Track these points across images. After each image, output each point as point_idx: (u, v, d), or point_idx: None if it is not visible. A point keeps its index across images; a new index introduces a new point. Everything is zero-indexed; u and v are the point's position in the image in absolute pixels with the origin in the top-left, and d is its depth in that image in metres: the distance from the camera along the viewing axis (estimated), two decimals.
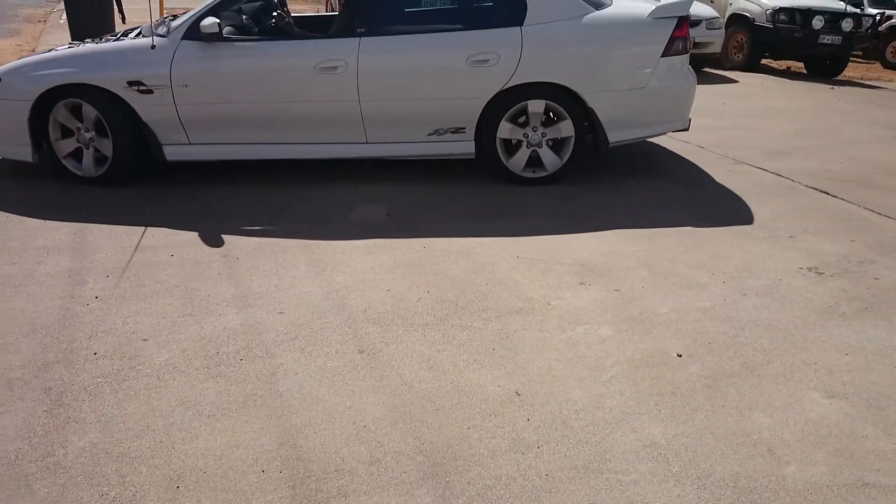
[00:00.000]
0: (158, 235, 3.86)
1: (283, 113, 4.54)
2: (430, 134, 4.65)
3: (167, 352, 2.74)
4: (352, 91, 4.45)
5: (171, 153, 4.60)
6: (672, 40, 4.60)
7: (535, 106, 4.58)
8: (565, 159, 4.73)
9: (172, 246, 3.72)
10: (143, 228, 3.94)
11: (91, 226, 3.97)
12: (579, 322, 3.02)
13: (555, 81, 4.52)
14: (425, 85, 4.53)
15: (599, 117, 4.60)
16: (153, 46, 4.41)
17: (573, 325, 2.99)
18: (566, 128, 4.64)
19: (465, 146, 4.70)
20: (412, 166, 5.01)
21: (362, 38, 4.46)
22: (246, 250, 3.67)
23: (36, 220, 4.02)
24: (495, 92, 4.50)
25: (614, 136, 4.70)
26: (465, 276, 3.42)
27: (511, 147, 4.71)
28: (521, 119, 4.63)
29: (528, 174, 4.76)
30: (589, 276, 3.46)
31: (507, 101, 4.56)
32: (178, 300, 3.15)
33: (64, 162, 4.60)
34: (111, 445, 2.21)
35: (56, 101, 4.44)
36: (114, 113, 4.46)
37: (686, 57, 4.80)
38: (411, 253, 3.68)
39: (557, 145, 4.72)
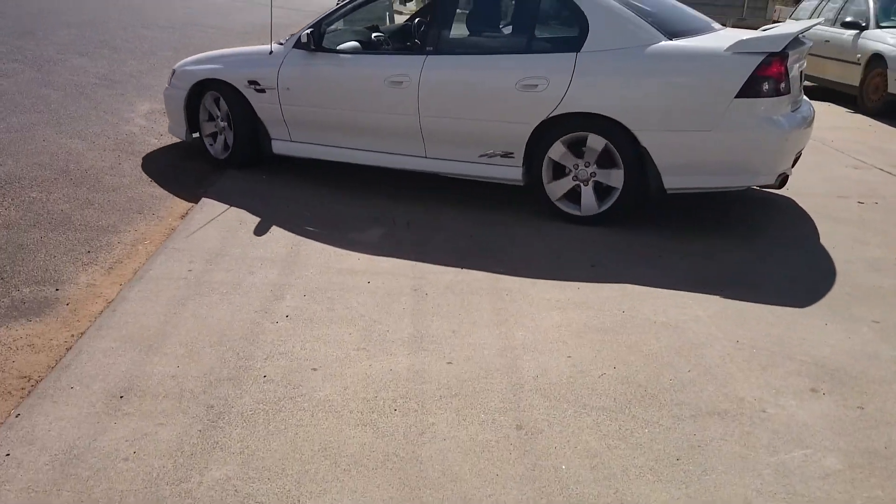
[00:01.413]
0: (364, 259, 3.89)
1: (360, 121, 4.85)
2: (480, 155, 4.57)
3: (330, 386, 2.68)
4: (413, 105, 4.59)
5: (277, 147, 5.27)
6: (753, 80, 3.91)
7: (594, 141, 4.23)
8: (603, 208, 4.36)
9: (372, 273, 3.72)
10: (358, 248, 4.01)
11: (310, 242, 4.13)
12: (799, 444, 2.41)
13: (602, 113, 4.15)
14: (476, 105, 4.48)
15: (653, 158, 4.12)
16: (271, 52, 5.09)
17: (790, 447, 2.39)
18: (616, 177, 4.25)
19: (513, 172, 4.54)
20: (635, 217, 4.56)
21: (428, 56, 4.60)
22: (437, 287, 3.55)
23: (263, 229, 4.28)
24: (541, 119, 4.29)
25: (672, 182, 4.18)
26: (664, 355, 2.95)
27: (558, 171, 4.43)
28: (581, 149, 4.31)
29: (561, 206, 4.49)
30: (825, 382, 2.79)
31: (562, 128, 4.29)
32: (359, 331, 3.10)
33: (205, 141, 5.56)
34: (243, 483, 2.16)
35: (205, 92, 5.35)
36: (237, 107, 5.22)
37: (778, 100, 4.00)
38: (607, 316, 3.28)
39: (601, 190, 4.36)
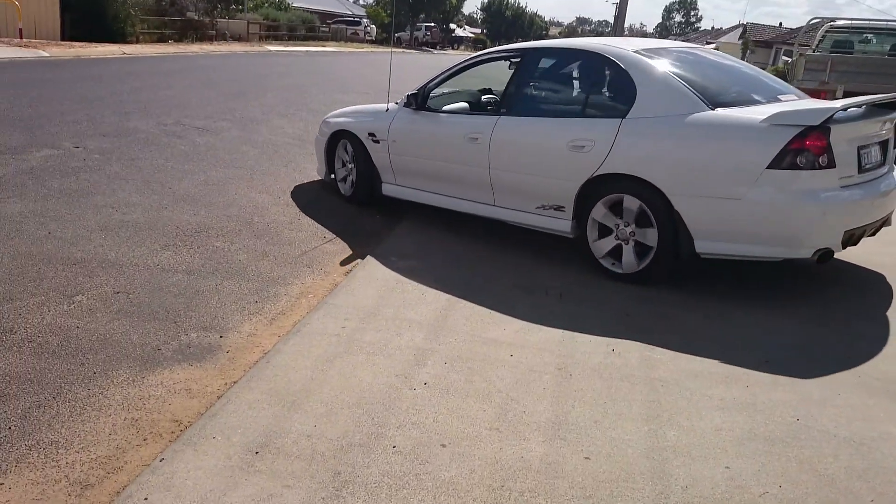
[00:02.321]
0: (510, 330, 3.79)
1: (445, 171, 5.48)
2: (537, 207, 4.93)
3: (456, 467, 2.56)
4: (485, 159, 5.10)
5: (385, 189, 6.05)
6: (786, 152, 3.92)
7: (630, 202, 4.44)
8: (641, 266, 4.47)
9: (517, 346, 3.59)
10: (506, 318, 3.92)
11: (461, 304, 4.11)
12: None
13: (639, 176, 4.35)
14: (534, 161, 4.89)
15: (685, 221, 4.24)
16: (387, 109, 5.93)
17: None
18: (651, 236, 4.38)
19: (563, 224, 4.84)
20: (817, 307, 4.06)
21: (500, 117, 5.13)
22: (584, 368, 3.34)
23: (418, 290, 4.32)
24: (586, 178, 4.57)
25: (703, 247, 4.26)
26: (843, 478, 2.51)
27: (604, 231, 4.63)
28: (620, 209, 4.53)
29: (605, 263, 4.66)
30: None
31: (604, 188, 4.55)
32: (494, 408, 2.97)
33: (338, 182, 6.48)
34: None
35: (339, 141, 6.31)
36: (360, 154, 6.11)
37: (816, 173, 3.93)
38: (778, 423, 2.88)
39: (641, 249, 4.47)
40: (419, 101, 5.68)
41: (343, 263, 4.86)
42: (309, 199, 6.29)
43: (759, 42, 42.21)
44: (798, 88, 9.03)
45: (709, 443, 2.73)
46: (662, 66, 4.61)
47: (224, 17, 33.92)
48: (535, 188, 4.89)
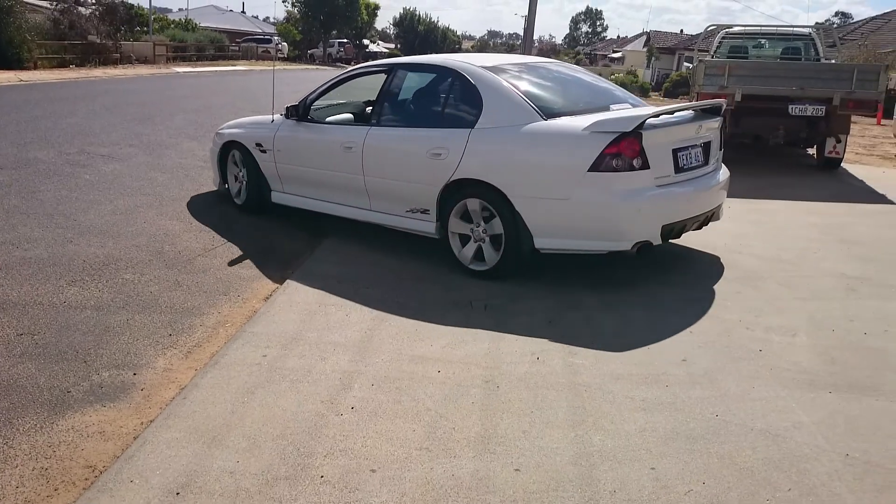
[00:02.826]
0: (437, 346, 3.77)
1: (326, 178, 5.78)
2: (407, 211, 5.28)
3: (387, 492, 2.52)
4: (359, 167, 5.44)
5: (275, 197, 6.29)
6: (603, 156, 4.36)
7: (472, 204, 4.87)
8: (500, 256, 4.79)
9: (444, 361, 3.58)
10: (432, 334, 3.90)
11: (387, 322, 4.07)
12: None
13: (485, 180, 4.75)
14: (401, 168, 5.25)
15: (525, 220, 4.63)
16: (272, 121, 6.20)
17: None
18: (497, 225, 4.75)
19: (429, 226, 5.17)
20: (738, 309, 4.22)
21: (371, 128, 5.51)
22: (510, 379, 3.36)
23: (342, 311, 4.25)
24: (444, 182, 4.92)
25: (541, 243, 4.68)
26: (761, 469, 2.61)
27: (465, 237, 4.99)
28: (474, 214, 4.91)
29: (475, 267, 4.93)
30: None
31: (459, 192, 4.92)
32: (423, 428, 2.94)
33: (230, 187, 6.68)
34: None
35: (230, 150, 6.53)
36: (249, 164, 6.34)
37: (632, 175, 4.40)
38: (698, 421, 2.97)
39: (496, 241, 4.80)
40: (300, 112, 5.99)
41: (262, 289, 4.74)
42: (223, 222, 6.11)
43: (662, 49, 43.98)
44: (699, 93, 9.48)
45: (634, 445, 2.78)
46: (506, 80, 5.03)
47: (129, 40, 32.77)
48: (403, 193, 5.27)
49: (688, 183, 4.79)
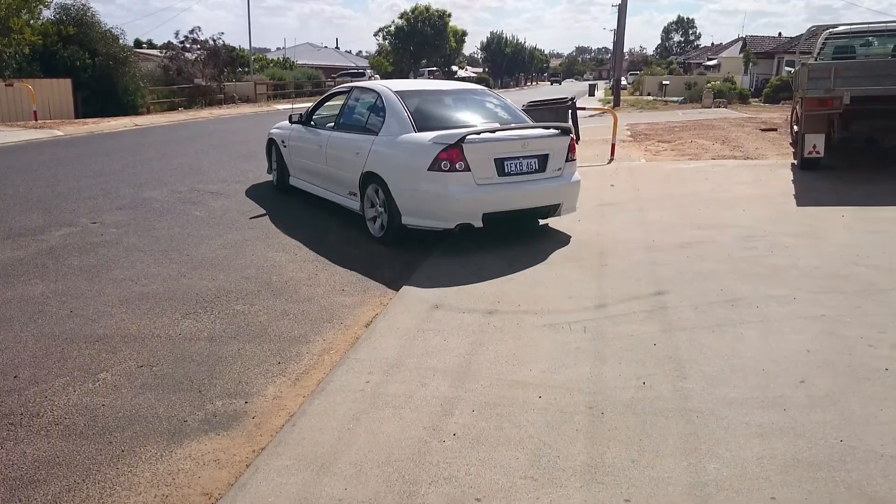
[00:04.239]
0: (537, 371, 3.72)
1: (311, 168, 8.07)
2: (347, 193, 7.22)
3: None
4: (324, 160, 7.64)
5: (291, 181, 8.74)
6: (437, 160, 5.96)
7: (371, 190, 6.72)
8: (382, 233, 6.65)
9: (546, 386, 3.52)
10: (531, 358, 3.85)
11: (485, 347, 4.05)
12: None
13: (376, 173, 6.52)
14: (342, 162, 7.24)
15: (396, 203, 6.33)
16: (291, 125, 8.54)
17: None
18: (383, 206, 6.56)
19: (356, 205, 7.05)
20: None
21: (331, 132, 7.61)
22: (615, 405, 3.26)
23: (440, 336, 4.27)
24: (360, 174, 6.77)
25: (406, 220, 6.32)
26: (894, 499, 2.41)
27: (370, 213, 6.85)
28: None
29: (375, 234, 6.77)
30: None
31: (365, 185, 6.77)
32: (526, 455, 2.89)
33: (272, 173, 9.38)
34: None
35: (272, 146, 9.26)
36: (278, 155, 9.03)
37: (456, 175, 5.94)
38: (821, 447, 2.78)
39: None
40: (303, 119, 8.32)
41: (363, 315, 4.83)
42: (324, 250, 6.30)
43: (760, 54, 42.25)
44: (804, 98, 9.02)
45: (751, 473, 2.63)
46: (404, 101, 6.74)
47: (231, 81, 34.71)
48: (343, 180, 7.23)
49: (510, 185, 6.19)
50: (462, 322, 4.51)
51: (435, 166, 5.95)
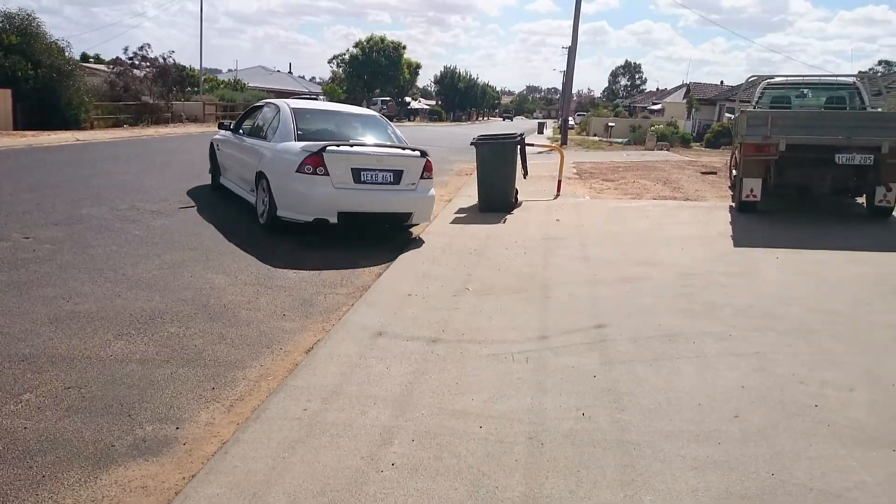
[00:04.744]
0: (479, 400, 3.70)
1: (231, 168, 9.74)
2: (249, 190, 8.66)
3: None
4: (237, 162, 9.30)
5: (221, 180, 10.18)
6: (302, 164, 7.41)
7: (261, 186, 8.09)
8: (266, 218, 7.96)
9: (486, 416, 3.51)
10: (472, 387, 3.83)
11: (426, 380, 4.02)
12: None
13: (264, 172, 8.00)
14: (245, 163, 8.92)
15: (274, 197, 7.74)
16: (223, 131, 10.31)
17: None
18: (267, 200, 7.95)
19: (253, 198, 8.52)
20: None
21: (243, 139, 9.26)
22: (554, 436, 3.26)
23: (382, 364, 4.22)
24: (255, 172, 8.31)
25: (280, 213, 7.67)
26: None
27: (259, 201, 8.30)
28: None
29: (262, 221, 8.10)
30: None
31: (258, 182, 8.22)
32: (465, 486, 2.86)
33: (212, 173, 10.98)
34: None
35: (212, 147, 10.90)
36: (213, 157, 10.60)
37: (316, 177, 7.38)
38: (754, 480, 2.83)
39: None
40: (232, 127, 10.06)
41: (304, 341, 4.75)
42: (268, 276, 6.19)
43: (702, 100, 43.92)
44: (743, 143, 9.39)
45: None
46: (296, 116, 8.35)
47: (180, 100, 34.16)
48: (246, 178, 8.83)
49: (364, 191, 7.56)
50: (405, 350, 4.47)
51: (301, 169, 7.39)
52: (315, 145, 7.46)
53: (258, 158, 8.23)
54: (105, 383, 3.86)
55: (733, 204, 10.71)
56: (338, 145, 7.53)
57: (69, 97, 24.01)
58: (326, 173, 7.32)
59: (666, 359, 4.28)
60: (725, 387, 3.84)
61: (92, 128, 24.92)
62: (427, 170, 7.98)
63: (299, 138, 7.85)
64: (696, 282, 6.12)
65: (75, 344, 4.36)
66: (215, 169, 10.48)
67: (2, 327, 4.53)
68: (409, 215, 7.93)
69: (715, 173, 15.71)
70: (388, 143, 8.33)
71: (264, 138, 8.46)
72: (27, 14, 24.35)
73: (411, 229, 8.60)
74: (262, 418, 3.52)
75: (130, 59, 31.80)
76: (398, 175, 7.71)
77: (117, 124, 27.37)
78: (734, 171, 11.65)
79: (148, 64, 32.03)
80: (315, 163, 7.34)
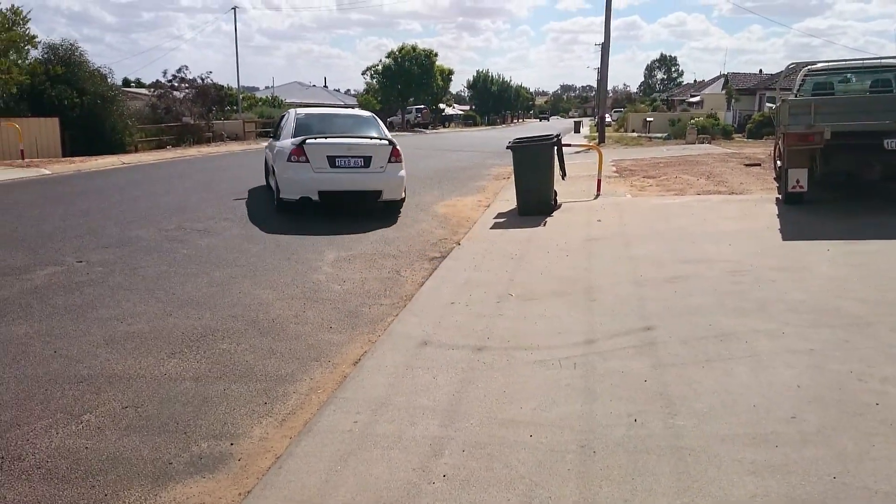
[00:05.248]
0: (528, 408, 3.68)
1: (269, 167, 11.50)
2: (268, 176, 11.97)
3: None
4: (268, 160, 11.74)
5: (269, 180, 11.74)
6: (290, 154, 9.63)
7: (272, 176, 10.67)
8: (276, 201, 10.30)
9: (536, 424, 3.49)
10: (522, 396, 3.82)
11: (474, 385, 4.02)
12: None
13: (273, 165, 10.47)
14: (268, 160, 11.71)
15: (277, 183, 10.01)
16: (272, 141, 12.07)
17: None
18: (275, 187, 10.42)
19: (274, 183, 10.75)
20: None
21: (271, 141, 11.89)
22: (607, 443, 3.23)
23: (429, 374, 4.23)
24: (271, 166, 10.86)
25: (282, 195, 9.89)
26: None
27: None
28: None
29: (275, 205, 10.50)
30: None
31: (273, 174, 10.66)
32: (518, 497, 2.85)
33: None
34: None
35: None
36: (265, 164, 12.54)
37: (301, 164, 9.57)
38: (815, 484, 2.76)
39: None
40: (273, 136, 11.84)
41: (351, 353, 4.79)
42: (314, 290, 6.27)
43: (741, 90, 43.06)
44: (786, 133, 9.17)
45: None
46: (300, 118, 10.76)
47: (220, 119, 34.87)
48: (269, 172, 11.06)
49: (339, 174, 9.66)
50: (451, 359, 4.48)
51: (290, 159, 9.61)
52: (299, 140, 9.63)
53: (272, 156, 10.68)
54: (160, 402, 3.96)
55: (780, 196, 10.46)
56: (315, 138, 9.64)
57: (113, 122, 24.74)
58: (307, 160, 9.50)
59: (718, 360, 4.20)
60: (781, 387, 3.74)
61: (136, 150, 25.61)
62: (394, 155, 9.94)
63: (296, 135, 10.02)
64: (745, 278, 5.99)
65: (130, 364, 4.48)
66: (266, 170, 12.46)
67: (61, 350, 4.68)
68: (379, 193, 9.84)
69: (759, 165, 15.37)
70: (363, 135, 10.26)
71: (277, 139, 10.98)
72: (70, 44, 25.23)
73: (457, 240, 8.61)
74: (314, 431, 3.56)
75: (170, 81, 32.62)
76: (367, 160, 9.76)
77: (160, 146, 28.08)
78: (778, 162, 11.37)
79: (187, 85, 32.79)
80: (298, 153, 9.52)
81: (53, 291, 6.02)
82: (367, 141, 9.94)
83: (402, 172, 10.10)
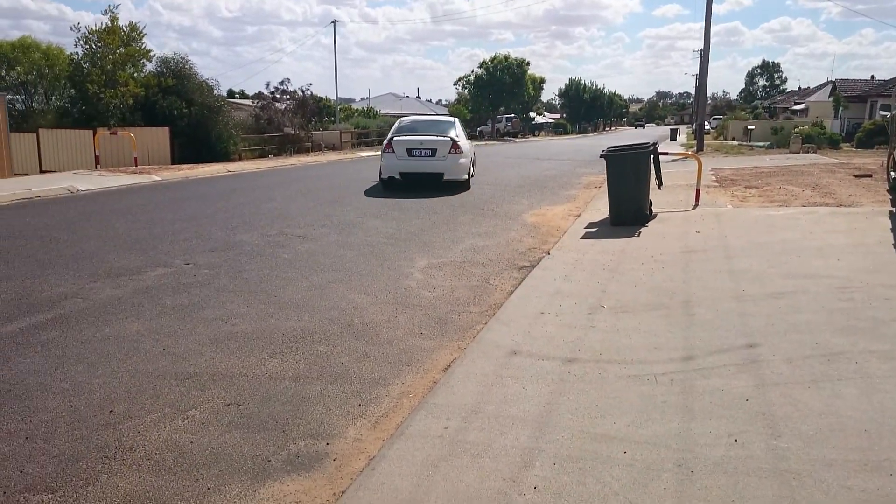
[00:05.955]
0: (622, 424, 3.61)
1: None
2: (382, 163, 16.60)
3: None
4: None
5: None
6: (384, 147, 15.12)
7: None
8: (381, 180, 15.32)
9: (631, 441, 3.41)
10: (615, 410, 3.75)
11: (565, 397, 3.98)
12: None
13: (380, 156, 16.01)
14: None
15: (380, 168, 15.28)
16: (384, 148, 15.78)
17: None
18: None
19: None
20: None
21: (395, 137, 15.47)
22: (705, 463, 3.12)
23: (518, 384, 4.22)
24: (381, 156, 16.04)
25: (382, 175, 14.96)
26: None
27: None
28: None
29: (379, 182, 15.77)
30: None
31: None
32: None
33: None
34: None
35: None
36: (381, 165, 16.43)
37: (388, 154, 14.65)
38: None
39: None
40: (386, 145, 14.72)
41: (441, 359, 4.84)
42: (405, 295, 6.38)
43: (850, 97, 40.67)
44: None
45: None
46: (401, 122, 16.09)
47: (318, 130, 36.05)
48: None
49: (414, 160, 14.30)
50: (541, 370, 4.45)
51: (385, 151, 14.58)
52: (389, 138, 14.62)
53: (383, 149, 15.03)
54: (261, 400, 4.12)
55: (893, 209, 9.82)
56: (399, 136, 14.57)
57: (219, 132, 26.02)
58: (393, 151, 14.36)
59: (826, 380, 3.98)
60: (895, 411, 3.51)
61: (240, 159, 26.82)
62: (454, 147, 14.35)
63: (395, 134, 14.76)
64: (855, 295, 5.65)
65: (233, 362, 4.69)
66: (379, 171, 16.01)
67: (169, 347, 4.96)
68: (441, 174, 14.26)
69: (870, 176, 14.49)
70: (438, 135, 14.66)
71: (386, 135, 15.62)
72: (181, 57, 26.74)
73: (546, 249, 8.56)
74: (406, 435, 3.61)
75: (272, 93, 33.98)
76: (434, 151, 14.29)
77: (263, 155, 29.30)
78: (892, 173, 10.68)
79: (288, 97, 34.08)
80: (389, 147, 14.49)
81: (163, 292, 6.38)
82: (434, 137, 14.46)
83: (463, 160, 14.54)
